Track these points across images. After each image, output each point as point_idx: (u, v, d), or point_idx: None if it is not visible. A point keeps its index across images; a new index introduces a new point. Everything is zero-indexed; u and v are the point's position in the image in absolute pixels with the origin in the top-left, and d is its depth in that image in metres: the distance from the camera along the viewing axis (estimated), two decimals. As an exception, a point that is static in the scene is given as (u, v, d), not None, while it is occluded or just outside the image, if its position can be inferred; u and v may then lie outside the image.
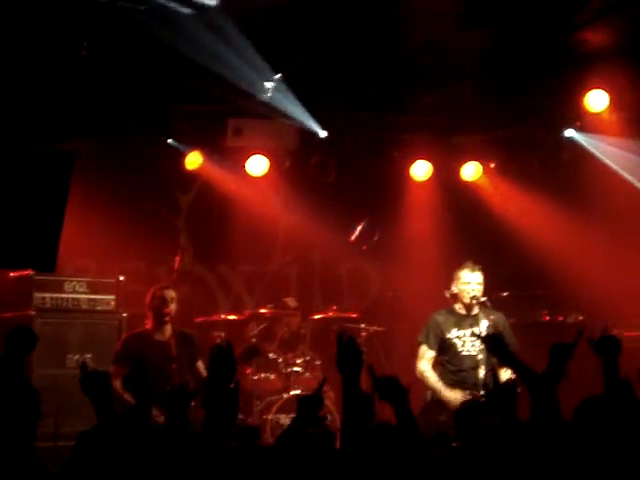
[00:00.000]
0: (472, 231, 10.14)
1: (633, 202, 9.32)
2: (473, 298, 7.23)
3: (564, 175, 9.94)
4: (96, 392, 3.92)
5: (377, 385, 4.09)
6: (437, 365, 7.31)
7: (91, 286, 8.36)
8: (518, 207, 10.00)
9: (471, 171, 10.17)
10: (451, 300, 7.44)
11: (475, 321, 7.28)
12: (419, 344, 7.37)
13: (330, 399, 8.99)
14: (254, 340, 9.11)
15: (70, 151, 7.19)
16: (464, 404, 5.71)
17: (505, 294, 9.37)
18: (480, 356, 7.19)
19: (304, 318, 9.69)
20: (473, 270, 7.28)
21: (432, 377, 7.24)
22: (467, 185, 10.27)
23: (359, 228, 9.95)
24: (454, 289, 7.38)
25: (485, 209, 10.21)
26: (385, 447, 3.52)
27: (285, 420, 8.76)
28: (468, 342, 7.29)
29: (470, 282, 7.27)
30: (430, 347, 7.30)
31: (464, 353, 7.27)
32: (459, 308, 7.36)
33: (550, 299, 9.70)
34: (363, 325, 9.46)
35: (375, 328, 9.57)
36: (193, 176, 10.06)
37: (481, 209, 10.23)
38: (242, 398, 8.95)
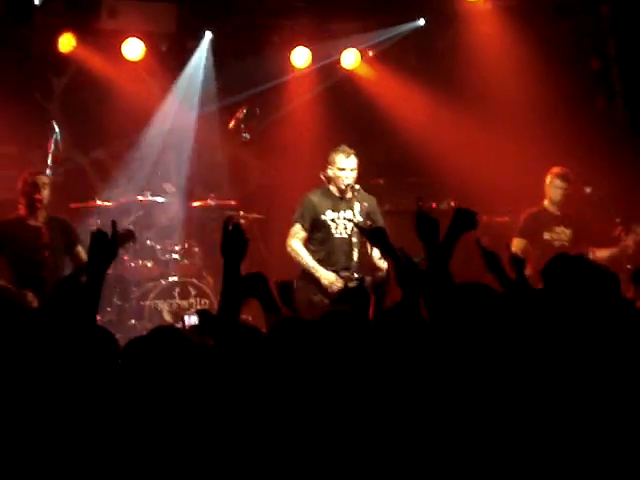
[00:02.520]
0: (351, 119, 10.20)
1: (505, 91, 9.51)
2: (348, 186, 7.27)
3: (440, 63, 10.05)
4: None
5: (244, 281, 4.13)
6: (307, 245, 7.33)
7: (-41, 171, 8.12)
8: (395, 95, 10.08)
9: (350, 58, 10.18)
10: (325, 182, 7.43)
11: (349, 204, 7.32)
12: (293, 223, 7.36)
13: (209, 285, 9.09)
14: (131, 227, 9.05)
15: None
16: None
17: (380, 181, 9.52)
18: (354, 239, 7.29)
19: (182, 205, 9.65)
20: (348, 156, 7.27)
21: (305, 256, 7.27)
22: (346, 72, 10.28)
23: (238, 115, 9.86)
24: (329, 172, 7.36)
25: (363, 97, 10.27)
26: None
27: (163, 306, 8.83)
28: (341, 225, 7.34)
29: (345, 168, 7.26)
30: (304, 227, 7.31)
31: (337, 235, 7.32)
32: (334, 190, 7.36)
33: (423, 186, 9.89)
34: (242, 213, 9.49)
35: (254, 215, 9.62)
36: (67, 59, 9.76)
37: (359, 97, 10.28)
38: (120, 284, 8.99)
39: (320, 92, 10.32)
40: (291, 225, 7.41)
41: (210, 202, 9.66)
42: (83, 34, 9.50)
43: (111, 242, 3.96)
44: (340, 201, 7.34)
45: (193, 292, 8.99)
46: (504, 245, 5.45)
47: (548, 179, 8.11)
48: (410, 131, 9.83)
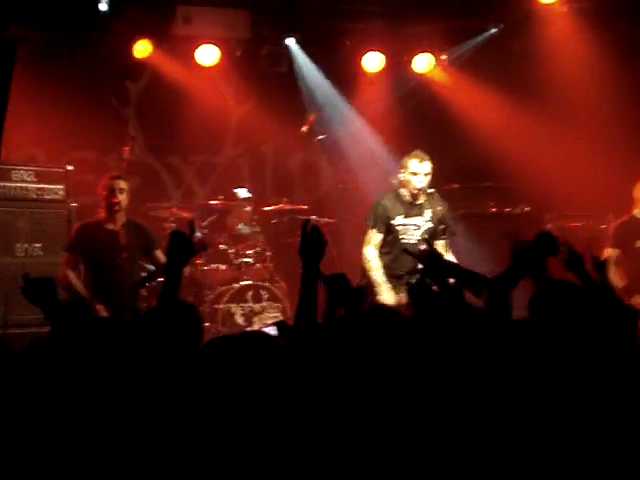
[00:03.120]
0: (423, 123, 10.16)
1: (581, 94, 9.38)
2: (420, 189, 7.23)
3: (515, 66, 9.95)
4: (41, 298, 3.90)
5: (327, 283, 4.14)
6: (379, 249, 7.26)
7: (39, 175, 8.23)
8: (468, 99, 10.03)
9: (424, 62, 10.14)
10: (398, 186, 7.37)
11: (420, 210, 7.27)
12: (369, 228, 7.32)
13: (281, 289, 9.13)
14: (205, 232, 9.15)
15: (11, 39, 7.02)
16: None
17: (454, 186, 9.44)
18: (422, 246, 7.23)
19: (255, 210, 9.72)
20: (422, 161, 7.18)
21: (375, 269, 7.17)
22: (419, 77, 10.24)
23: (311, 119, 9.89)
24: (401, 177, 7.29)
25: (436, 101, 10.22)
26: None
27: (236, 309, 8.90)
28: (410, 230, 7.27)
29: (418, 173, 7.17)
30: (379, 231, 7.26)
31: (404, 241, 7.24)
32: (405, 195, 7.32)
33: (498, 191, 9.80)
34: (314, 217, 9.50)
35: (326, 220, 9.64)
36: (143, 65, 9.91)
37: (432, 101, 10.24)
38: (193, 288, 9.09)
39: (392, 96, 10.30)
40: (366, 231, 7.35)
41: (282, 206, 9.73)
42: (158, 40, 9.64)
43: (188, 242, 4.02)
44: (411, 207, 7.28)
45: (265, 296, 9.03)
46: (578, 250, 5.36)
47: None
48: (484, 135, 9.75)
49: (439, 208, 7.27)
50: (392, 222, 7.27)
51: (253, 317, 8.92)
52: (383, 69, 10.17)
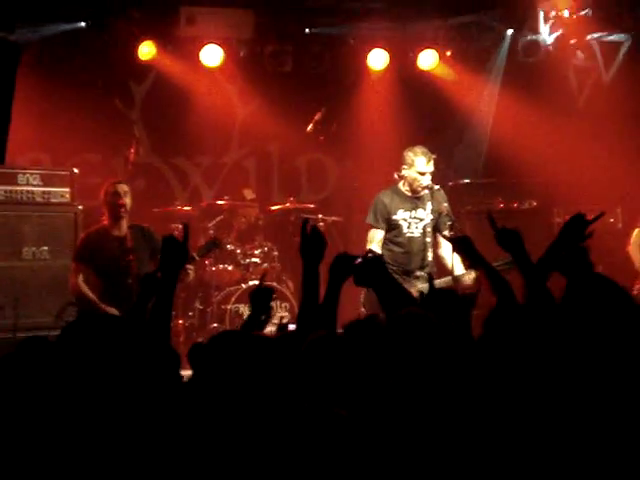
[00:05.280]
0: (429, 120, 10.13)
1: (586, 89, 9.36)
2: (426, 187, 7.22)
3: (519, 62, 9.91)
4: None
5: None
6: (383, 245, 7.26)
7: (45, 178, 8.22)
8: (474, 96, 9.99)
9: (428, 59, 10.08)
10: (397, 180, 7.36)
11: (422, 203, 7.26)
12: (369, 227, 7.33)
13: (289, 289, 9.12)
14: (212, 232, 9.14)
15: (16, 42, 7.02)
16: None
17: (461, 182, 9.42)
18: (427, 239, 7.22)
19: (262, 210, 9.72)
20: (429, 160, 7.17)
21: None
22: (424, 74, 10.20)
23: (316, 118, 9.87)
24: (404, 173, 7.29)
25: (442, 98, 10.18)
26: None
27: (244, 310, 8.88)
28: (413, 224, 7.28)
29: (425, 172, 7.19)
30: (380, 228, 7.27)
31: (408, 235, 7.26)
32: (405, 190, 7.30)
33: (504, 186, 9.78)
34: (321, 215, 9.51)
35: (333, 218, 9.64)
36: (147, 66, 9.90)
37: (438, 98, 10.20)
38: (201, 289, 9.08)
39: (398, 93, 10.26)
40: (368, 230, 7.36)
41: (289, 206, 9.71)
42: (162, 42, 9.62)
43: (182, 246, 3.93)
44: (412, 200, 7.28)
45: (273, 296, 9.00)
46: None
47: None
48: (490, 130, 9.73)
49: (444, 204, 7.23)
50: (394, 217, 7.27)
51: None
52: (388, 67, 10.13)
